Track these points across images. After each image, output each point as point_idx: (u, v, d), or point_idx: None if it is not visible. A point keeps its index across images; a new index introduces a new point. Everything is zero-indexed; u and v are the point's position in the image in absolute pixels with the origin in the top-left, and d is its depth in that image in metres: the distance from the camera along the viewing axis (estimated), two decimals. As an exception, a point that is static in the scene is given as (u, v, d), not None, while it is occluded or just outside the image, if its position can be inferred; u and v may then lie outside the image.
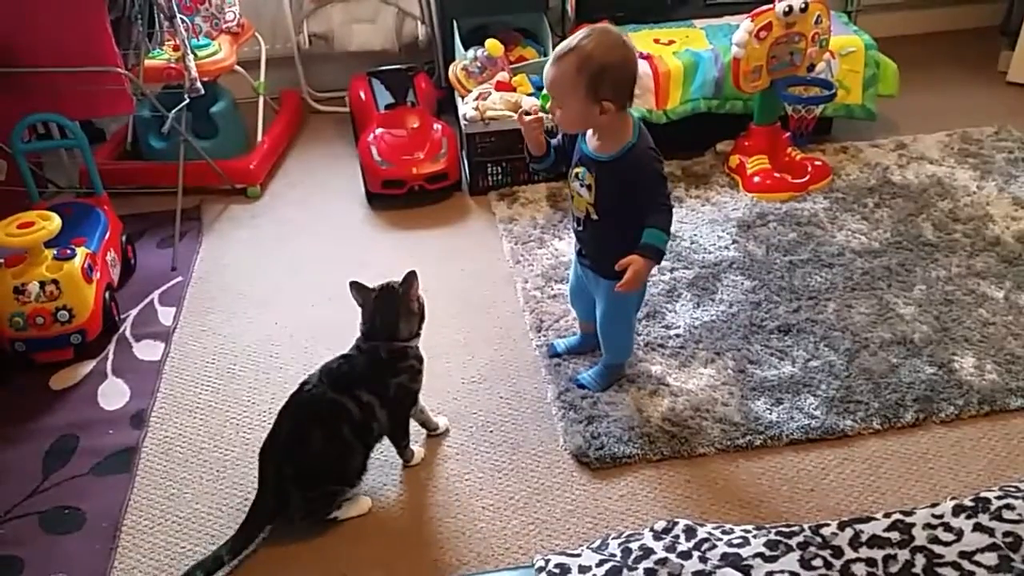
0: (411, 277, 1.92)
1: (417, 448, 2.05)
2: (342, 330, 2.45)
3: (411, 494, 1.98)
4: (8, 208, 2.60)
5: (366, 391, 1.87)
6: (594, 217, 1.97)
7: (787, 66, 2.88)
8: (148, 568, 1.83)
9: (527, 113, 2.00)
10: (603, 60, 1.78)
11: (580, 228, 2.04)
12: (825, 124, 3.25)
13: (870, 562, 1.36)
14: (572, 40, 1.81)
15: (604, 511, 1.91)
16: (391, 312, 1.91)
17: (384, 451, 2.07)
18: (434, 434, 2.11)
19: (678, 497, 1.93)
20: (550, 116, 1.95)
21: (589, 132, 1.95)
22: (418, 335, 1.98)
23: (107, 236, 2.60)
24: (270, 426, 1.90)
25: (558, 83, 1.83)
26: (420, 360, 1.98)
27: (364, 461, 1.92)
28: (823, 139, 3.26)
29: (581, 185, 1.96)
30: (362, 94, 3.36)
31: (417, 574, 1.79)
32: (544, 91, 2.99)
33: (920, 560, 1.37)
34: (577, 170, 1.97)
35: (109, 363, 2.39)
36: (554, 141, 2.05)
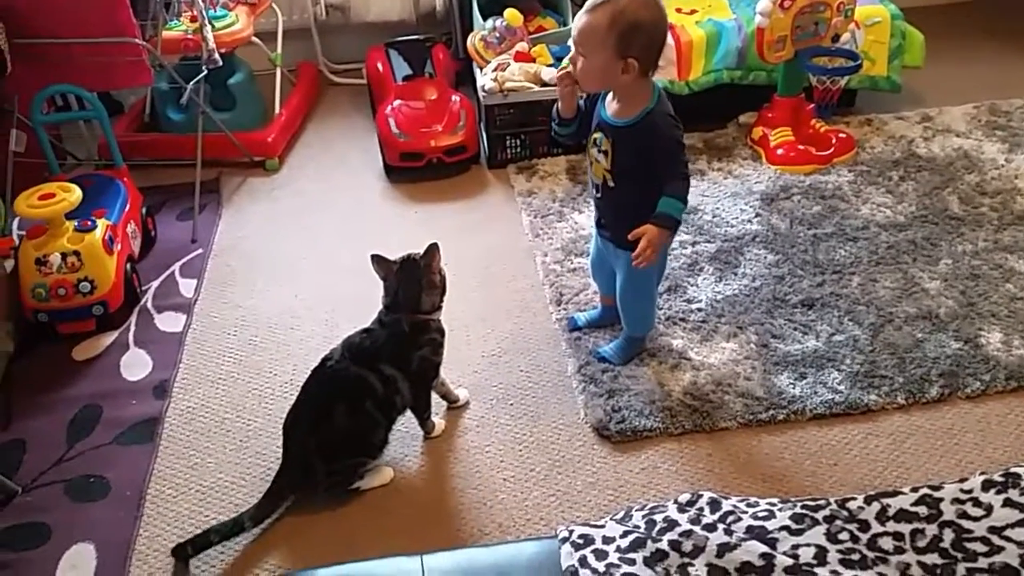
0: (433, 249, 1.91)
1: (438, 420, 2.05)
2: (362, 303, 2.45)
3: (432, 465, 1.98)
4: (28, 180, 2.61)
5: (389, 365, 1.87)
6: (611, 184, 1.94)
7: (812, 36, 2.83)
8: (172, 536, 1.84)
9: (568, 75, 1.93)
10: (637, 16, 1.75)
11: (598, 195, 2.01)
12: (849, 96, 3.19)
13: (897, 536, 1.35)
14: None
15: (625, 484, 1.91)
16: (413, 285, 1.90)
17: (406, 423, 2.07)
18: (455, 406, 2.11)
19: (699, 471, 1.92)
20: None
21: (609, 96, 1.92)
22: (440, 307, 1.97)
23: (127, 208, 2.60)
24: (292, 397, 1.91)
25: (587, 33, 1.79)
26: (442, 333, 1.98)
27: (386, 434, 1.92)
28: (847, 111, 3.21)
29: (599, 151, 1.94)
30: (379, 65, 3.33)
31: (438, 544, 1.79)
32: (562, 64, 2.98)
33: (948, 535, 1.36)
34: (595, 135, 1.94)
35: (131, 334, 2.40)
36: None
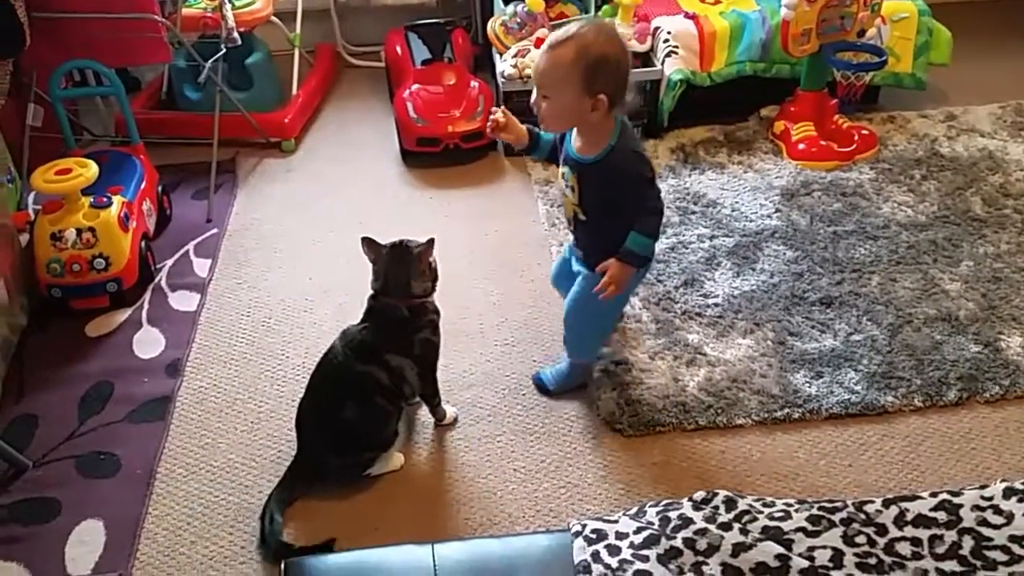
0: (430, 242, 1.87)
1: (449, 408, 2.04)
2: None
3: (443, 453, 1.97)
4: (44, 155, 2.60)
5: (394, 354, 1.85)
6: (582, 218, 1.88)
7: (837, 30, 2.79)
8: (181, 515, 1.84)
9: (496, 123, 1.88)
10: (602, 50, 1.68)
11: (572, 228, 1.95)
12: (872, 92, 3.16)
13: (915, 542, 1.33)
14: (569, 28, 1.71)
15: (636, 478, 1.89)
16: (404, 269, 1.86)
17: (415, 407, 2.06)
18: (441, 424, 2.05)
19: (712, 468, 1.91)
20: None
21: (574, 132, 1.83)
22: (431, 292, 1.92)
23: (143, 185, 2.60)
24: (305, 380, 1.91)
25: (551, 72, 1.71)
26: (438, 313, 1.94)
27: (397, 424, 1.91)
28: (870, 108, 3.18)
29: (566, 186, 1.87)
30: (398, 48, 3.31)
31: (448, 532, 1.79)
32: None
33: (968, 542, 1.34)
34: (562, 170, 1.87)
35: (145, 312, 2.40)
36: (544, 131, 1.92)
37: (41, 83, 2.71)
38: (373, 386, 1.83)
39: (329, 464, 1.86)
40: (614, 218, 1.81)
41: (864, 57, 2.84)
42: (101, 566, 1.73)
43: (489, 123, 1.90)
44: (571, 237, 2.02)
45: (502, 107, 1.93)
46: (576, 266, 2.00)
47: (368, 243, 1.89)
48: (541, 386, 2.11)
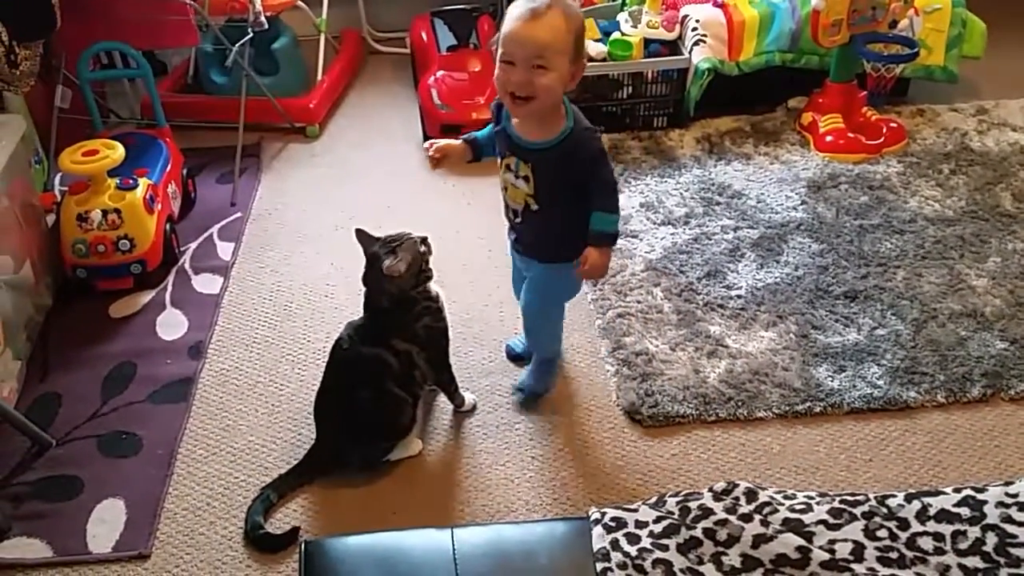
0: (405, 251, 1.82)
1: (468, 394, 2.04)
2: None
3: (462, 439, 1.97)
4: (71, 136, 2.62)
5: (399, 339, 1.84)
6: (534, 208, 1.78)
7: (869, 21, 2.75)
8: (201, 496, 1.86)
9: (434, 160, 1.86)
10: (579, 16, 1.64)
11: (518, 220, 1.84)
12: (902, 85, 3.11)
13: (938, 537, 1.32)
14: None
15: (655, 469, 1.89)
16: (376, 276, 1.83)
17: (434, 393, 2.07)
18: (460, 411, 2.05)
19: (732, 460, 1.90)
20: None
21: (516, 120, 1.74)
22: (420, 285, 1.88)
23: (168, 168, 2.61)
24: (322, 372, 1.92)
25: (549, 43, 1.59)
26: (434, 299, 1.90)
27: (414, 412, 1.90)
28: (899, 100, 3.13)
29: (516, 176, 1.76)
30: (424, 35, 3.30)
31: (466, 517, 1.79)
32: (610, 40, 2.93)
33: (991, 539, 1.32)
34: (508, 161, 1.77)
35: (168, 294, 2.41)
36: (482, 133, 1.87)
37: (69, 65, 2.73)
38: (383, 370, 1.82)
39: (348, 452, 1.86)
40: (568, 204, 1.74)
41: (895, 49, 2.80)
42: (122, 544, 1.75)
43: (430, 162, 1.87)
44: (509, 241, 1.95)
45: (430, 142, 1.88)
46: (525, 270, 1.95)
47: (360, 236, 1.88)
48: (529, 394, 2.05)
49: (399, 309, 1.86)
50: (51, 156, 2.75)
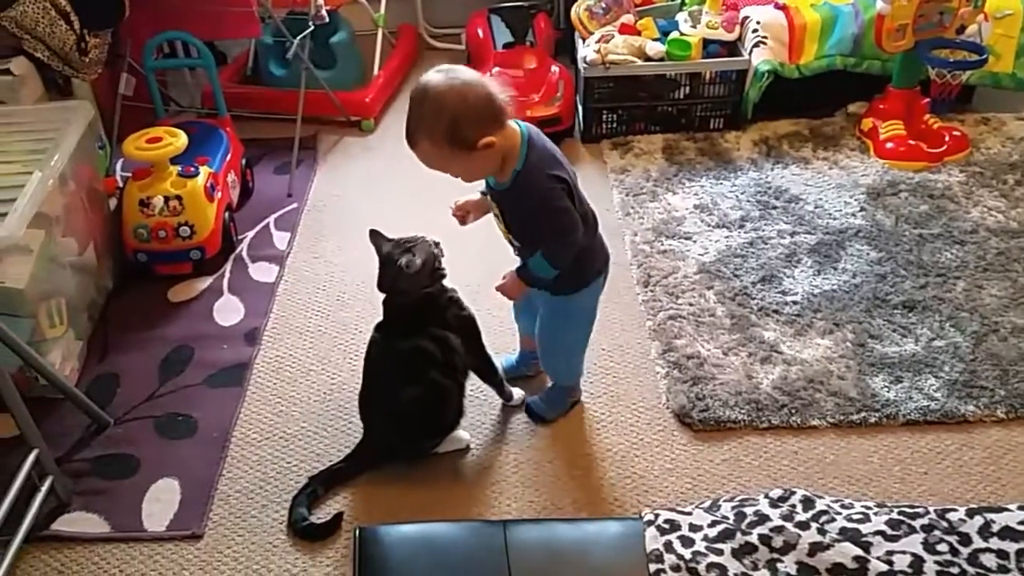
0: (418, 253, 1.83)
1: (516, 389, 2.04)
2: (448, 269, 2.46)
3: (508, 435, 1.98)
4: (133, 123, 2.68)
5: (434, 327, 1.84)
6: (516, 244, 1.80)
7: (935, 26, 2.70)
8: (254, 479, 1.89)
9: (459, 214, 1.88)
10: (446, 116, 1.56)
11: (516, 253, 1.84)
12: (966, 92, 3.04)
13: (1001, 554, 1.29)
14: (408, 124, 1.61)
15: (704, 473, 1.87)
16: (391, 273, 1.84)
17: (484, 389, 2.07)
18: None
19: (784, 468, 1.88)
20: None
21: None
22: (430, 285, 1.88)
23: (228, 157, 2.65)
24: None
25: (430, 161, 1.65)
26: (452, 291, 1.91)
27: (460, 402, 1.89)
28: (963, 108, 3.07)
29: (496, 214, 1.79)
30: (480, 31, 3.31)
31: (512, 513, 1.79)
32: (668, 39, 2.91)
33: (1058, 558, 1.29)
34: (490, 199, 1.80)
35: (226, 281, 2.45)
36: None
37: (134, 53, 2.79)
38: (424, 360, 1.81)
39: (398, 449, 1.87)
40: (538, 236, 1.72)
41: (961, 55, 2.74)
42: (175, 524, 1.79)
43: (457, 221, 1.87)
44: None
45: (453, 202, 1.89)
46: (535, 297, 1.90)
47: (373, 236, 1.89)
48: (534, 415, 2.01)
49: (425, 303, 1.86)
50: (114, 142, 2.81)
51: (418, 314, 1.85)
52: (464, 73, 1.61)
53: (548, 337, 1.94)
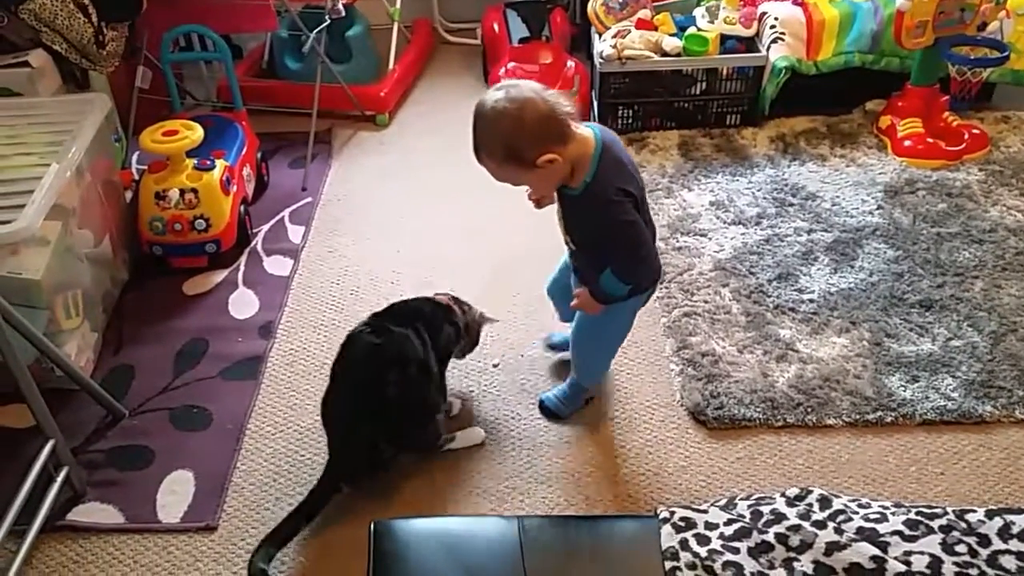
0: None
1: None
2: (461, 264, 2.47)
3: (522, 432, 1.97)
4: (148, 117, 2.69)
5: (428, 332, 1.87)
6: (572, 247, 1.82)
7: (956, 23, 2.67)
8: (268, 471, 1.89)
9: (535, 197, 1.84)
10: (502, 137, 1.58)
11: (569, 256, 1.88)
12: (987, 90, 3.01)
13: (1021, 556, 1.27)
14: (473, 140, 1.62)
15: (718, 472, 1.86)
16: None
17: (498, 385, 2.07)
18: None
19: (799, 467, 1.87)
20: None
21: None
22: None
23: (244, 151, 2.65)
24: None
25: (497, 176, 1.67)
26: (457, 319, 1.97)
27: (438, 391, 1.88)
28: (983, 106, 3.04)
29: (557, 211, 1.79)
30: (495, 26, 3.30)
31: (525, 509, 1.79)
32: (685, 34, 2.89)
33: (1079, 561, 1.27)
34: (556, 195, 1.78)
35: (240, 274, 2.46)
36: None
37: (151, 46, 2.80)
38: (411, 344, 1.80)
39: (381, 451, 1.78)
40: (597, 253, 1.74)
41: (983, 52, 2.71)
42: (190, 515, 1.79)
43: (534, 205, 1.86)
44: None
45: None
46: (574, 285, 1.90)
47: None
48: (547, 412, 2.01)
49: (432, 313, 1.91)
50: (130, 135, 2.83)
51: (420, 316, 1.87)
52: (524, 90, 1.59)
53: (583, 336, 1.94)
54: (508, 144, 1.58)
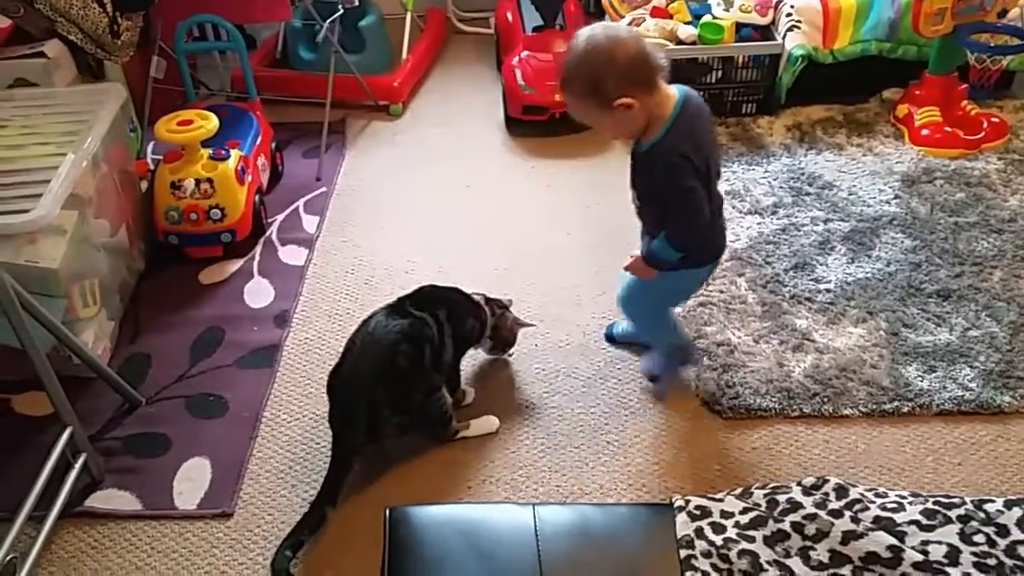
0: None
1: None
2: (474, 254, 2.47)
3: (537, 421, 1.97)
4: (162, 107, 2.69)
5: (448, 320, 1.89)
6: (637, 203, 1.82)
7: (976, 10, 2.64)
8: (284, 459, 1.90)
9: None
10: (589, 68, 1.59)
11: (636, 213, 1.86)
12: (1006, 78, 2.97)
13: (1040, 546, 1.26)
14: (562, 68, 1.65)
15: (734, 461, 1.86)
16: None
17: (512, 374, 2.07)
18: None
19: (814, 456, 1.86)
20: None
21: None
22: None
23: (259, 141, 2.66)
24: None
25: (573, 109, 1.69)
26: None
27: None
28: (1003, 94, 3.00)
29: (631, 166, 1.78)
30: (509, 15, 3.29)
31: (539, 497, 1.79)
32: (700, 22, 2.87)
33: (1099, 551, 1.26)
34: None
35: (256, 263, 2.46)
36: None
37: (165, 36, 2.80)
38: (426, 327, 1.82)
39: (381, 414, 1.78)
40: (659, 213, 1.75)
41: (1003, 39, 2.68)
42: (206, 502, 1.81)
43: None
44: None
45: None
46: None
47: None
48: (652, 377, 2.05)
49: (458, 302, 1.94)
50: (145, 125, 2.84)
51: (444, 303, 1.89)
52: (622, 30, 1.66)
53: (630, 294, 1.94)
54: (593, 77, 1.58)
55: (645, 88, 1.60)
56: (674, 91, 1.66)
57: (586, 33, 1.62)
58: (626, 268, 1.86)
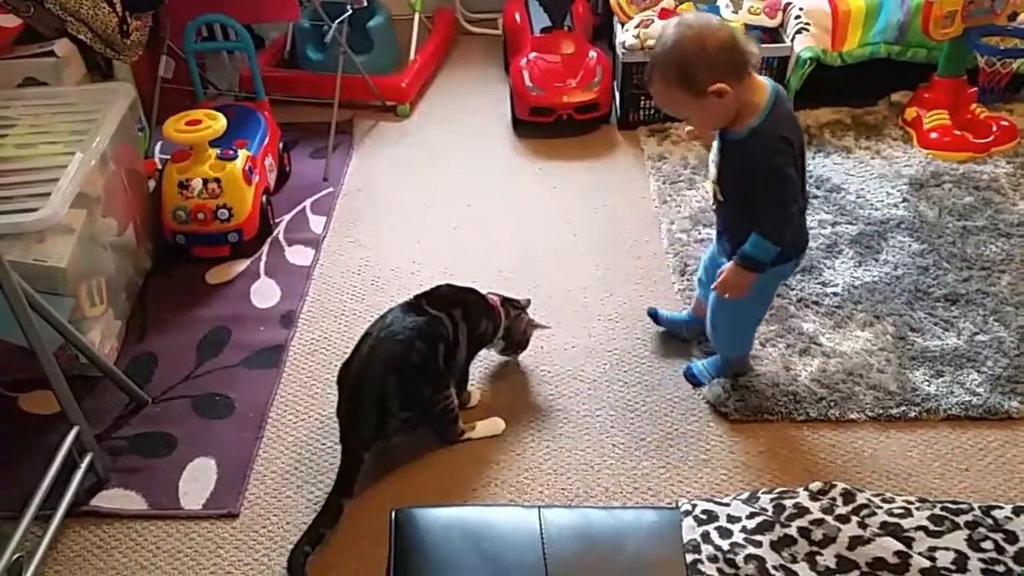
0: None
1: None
2: (481, 256, 2.47)
3: (543, 423, 1.97)
4: (172, 106, 2.70)
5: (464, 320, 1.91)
6: (720, 198, 1.78)
7: (986, 13, 2.63)
8: (289, 459, 1.90)
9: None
10: (679, 55, 1.57)
11: (715, 207, 1.85)
12: (1016, 81, 2.95)
13: (1049, 554, 1.26)
14: (650, 57, 1.65)
15: (740, 465, 1.85)
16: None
17: (518, 376, 2.07)
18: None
19: (821, 461, 1.85)
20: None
21: None
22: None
23: (266, 141, 2.66)
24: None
25: (662, 100, 1.67)
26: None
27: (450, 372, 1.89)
28: (1012, 98, 2.99)
29: (712, 160, 1.77)
30: (517, 16, 3.29)
31: (545, 500, 1.79)
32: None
33: (1109, 559, 1.25)
34: (716, 142, 1.76)
35: (262, 264, 2.47)
36: None
37: (174, 36, 2.81)
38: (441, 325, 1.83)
39: (389, 406, 1.78)
40: (746, 207, 1.70)
41: (1013, 43, 2.67)
42: (212, 502, 1.81)
43: (687, 135, 1.89)
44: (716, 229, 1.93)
45: (686, 130, 1.87)
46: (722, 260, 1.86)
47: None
48: (693, 379, 2.04)
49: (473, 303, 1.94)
50: (153, 124, 2.84)
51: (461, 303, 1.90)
52: (712, 18, 1.64)
53: (719, 311, 1.90)
54: (683, 63, 1.57)
55: (736, 75, 1.59)
56: (765, 80, 1.66)
57: (676, 20, 1.61)
58: (717, 287, 1.76)
